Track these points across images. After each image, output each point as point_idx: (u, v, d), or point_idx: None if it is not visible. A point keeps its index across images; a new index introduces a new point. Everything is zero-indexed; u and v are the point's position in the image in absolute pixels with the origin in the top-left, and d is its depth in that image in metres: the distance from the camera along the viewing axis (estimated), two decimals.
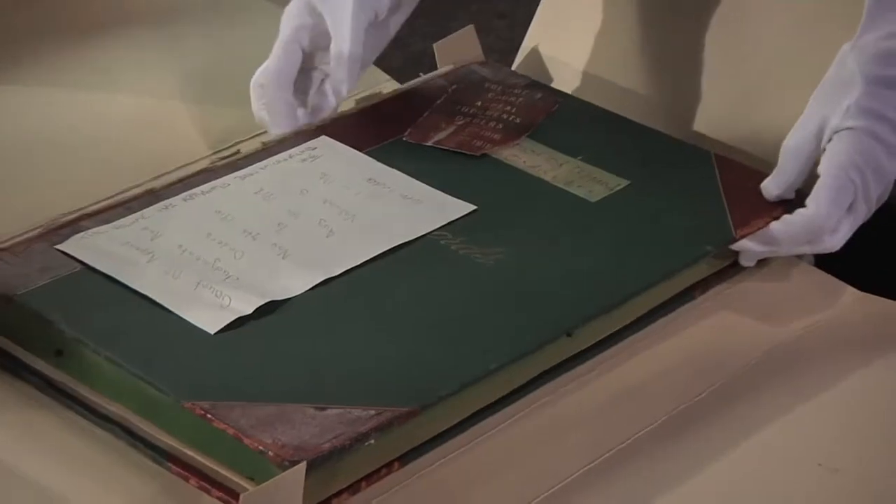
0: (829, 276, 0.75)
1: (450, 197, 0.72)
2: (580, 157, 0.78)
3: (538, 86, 0.89)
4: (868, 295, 0.72)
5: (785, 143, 0.77)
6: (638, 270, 0.67)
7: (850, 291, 0.73)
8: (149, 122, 0.87)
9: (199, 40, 0.97)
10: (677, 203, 0.72)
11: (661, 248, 0.70)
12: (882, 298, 0.75)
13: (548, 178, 0.78)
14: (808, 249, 0.74)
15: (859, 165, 0.72)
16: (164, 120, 0.86)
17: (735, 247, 0.70)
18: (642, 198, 0.73)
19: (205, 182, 0.73)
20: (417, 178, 0.75)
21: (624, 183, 0.77)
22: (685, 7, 0.91)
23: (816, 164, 0.73)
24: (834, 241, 0.73)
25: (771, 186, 0.75)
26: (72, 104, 0.88)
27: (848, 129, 0.73)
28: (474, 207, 0.72)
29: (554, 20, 1.03)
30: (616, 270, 0.68)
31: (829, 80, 0.78)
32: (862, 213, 0.74)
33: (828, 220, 0.74)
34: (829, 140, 0.74)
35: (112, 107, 0.89)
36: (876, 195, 0.73)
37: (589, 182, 0.75)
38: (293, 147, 0.77)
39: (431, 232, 0.68)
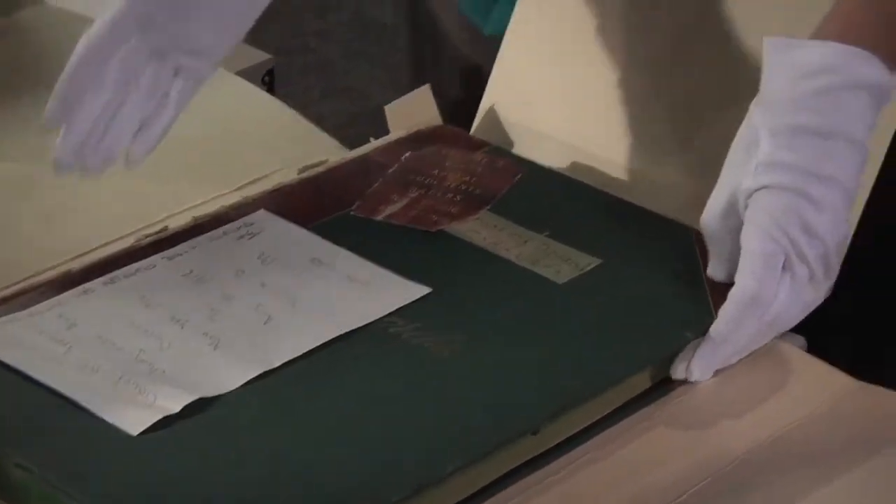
0: (821, 362, 0.78)
1: (402, 278, 0.73)
2: (546, 233, 0.80)
3: (500, 152, 0.90)
4: (866, 385, 0.74)
5: (701, 220, 0.79)
6: (611, 360, 0.68)
7: (844, 381, 0.75)
8: (66, 196, 0.88)
9: None
10: (654, 285, 0.74)
11: (637, 336, 0.71)
12: (882, 389, 0.77)
13: (511, 256, 0.79)
14: (766, 332, 0.75)
15: (781, 224, 0.73)
16: (83, 194, 0.86)
17: (676, 376, 0.71)
18: (615, 279, 0.75)
19: (128, 263, 0.73)
20: (366, 258, 0.76)
21: (595, 262, 0.78)
22: (662, 65, 0.96)
23: None
24: (779, 310, 0.75)
25: (715, 272, 0.78)
26: None
27: (762, 188, 0.75)
28: (429, 290, 0.73)
29: (512, 76, 1.04)
30: (586, 360, 0.69)
31: (737, 142, 0.80)
32: (803, 276, 0.75)
33: (763, 290, 0.75)
34: (746, 206, 0.76)
35: (24, 180, 0.91)
36: (815, 253, 0.74)
37: (556, 261, 0.77)
38: (228, 223, 0.78)
39: (381, 318, 0.69)
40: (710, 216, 0.77)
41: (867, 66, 0.78)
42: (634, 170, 0.95)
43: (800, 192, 0.73)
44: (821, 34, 0.80)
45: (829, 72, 0.77)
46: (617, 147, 1.00)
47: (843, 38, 0.79)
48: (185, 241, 0.75)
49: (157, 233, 0.77)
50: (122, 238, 0.78)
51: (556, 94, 1.06)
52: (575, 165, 0.95)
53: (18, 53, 1.17)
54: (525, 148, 1.00)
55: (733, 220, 0.75)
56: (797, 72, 0.78)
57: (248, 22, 0.84)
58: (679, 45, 0.96)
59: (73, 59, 0.80)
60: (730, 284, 0.74)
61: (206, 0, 0.84)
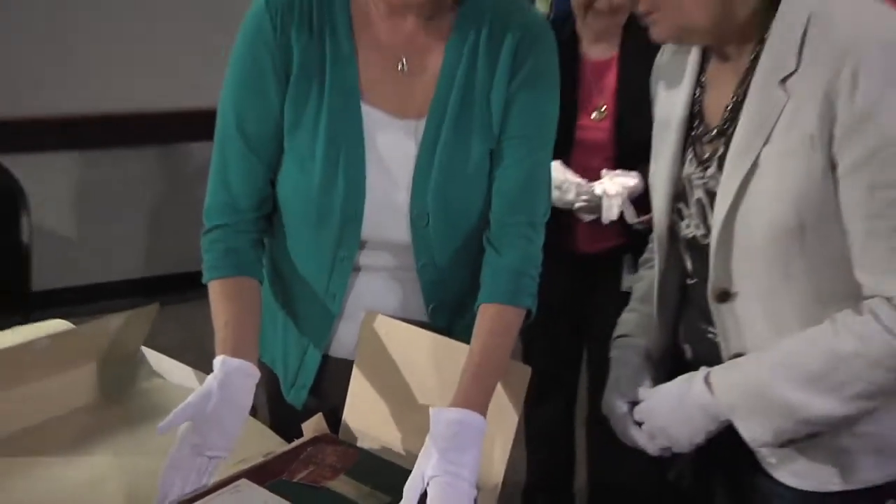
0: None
1: None
2: (370, 486, 1.36)
3: (350, 445, 1.47)
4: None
5: (405, 491, 1.27)
6: None
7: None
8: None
9: None
10: None
11: None
12: None
13: (352, 496, 1.34)
14: None
15: (443, 498, 1.25)
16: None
17: None
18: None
19: None
20: (286, 498, 1.32)
21: (387, 499, 1.33)
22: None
23: None
24: None
25: None
26: None
27: (433, 477, 1.27)
28: None
29: (359, 406, 1.59)
30: None
31: (427, 440, 1.31)
32: None
33: None
34: (427, 484, 1.27)
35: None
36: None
37: (371, 499, 1.34)
38: (227, 485, 1.35)
39: None
40: (407, 489, 1.30)
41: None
42: (413, 454, 1.40)
43: (458, 479, 1.29)
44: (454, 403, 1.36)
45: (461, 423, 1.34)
46: (405, 444, 1.51)
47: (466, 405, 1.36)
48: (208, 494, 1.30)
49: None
50: None
51: (379, 417, 1.55)
52: (386, 451, 1.51)
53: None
54: (361, 443, 1.54)
55: (420, 488, 1.28)
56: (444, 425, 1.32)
57: (239, 428, 1.40)
58: None
59: (166, 462, 1.32)
60: None
61: (217, 429, 1.37)
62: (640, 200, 2.12)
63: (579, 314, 2.61)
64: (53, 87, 4.18)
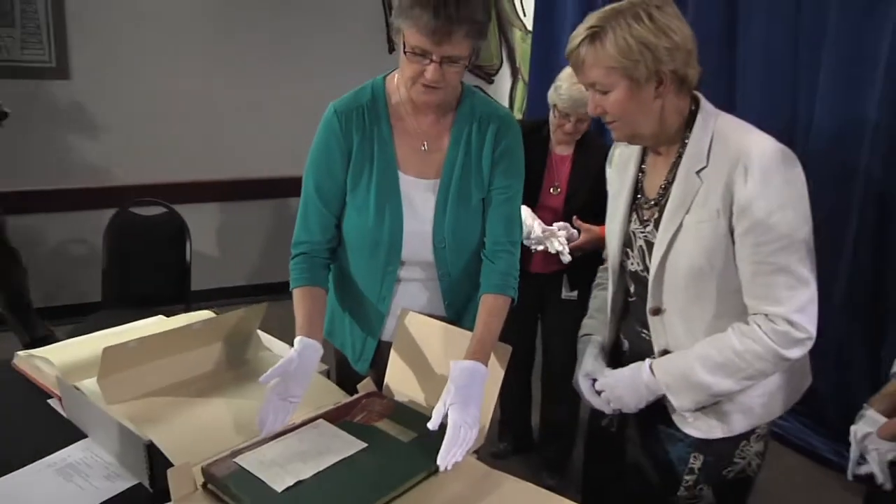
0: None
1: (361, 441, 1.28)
2: (403, 425, 1.34)
3: (389, 398, 1.46)
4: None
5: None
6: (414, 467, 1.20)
7: None
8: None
9: None
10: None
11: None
12: None
13: (393, 433, 1.32)
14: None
15: (460, 417, 1.25)
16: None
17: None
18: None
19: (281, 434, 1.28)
20: (348, 433, 1.30)
21: (413, 435, 1.30)
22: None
23: None
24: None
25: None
26: None
27: (451, 404, 1.26)
28: (365, 444, 1.27)
29: (401, 368, 1.54)
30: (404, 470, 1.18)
31: (448, 382, 1.30)
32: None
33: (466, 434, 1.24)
34: (448, 408, 1.26)
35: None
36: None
37: (403, 433, 1.32)
38: (308, 422, 1.34)
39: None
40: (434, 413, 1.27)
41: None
42: (430, 405, 1.38)
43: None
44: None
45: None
46: (426, 400, 1.48)
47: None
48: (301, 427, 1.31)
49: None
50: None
51: (409, 381, 1.52)
52: (413, 404, 1.48)
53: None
54: (397, 398, 1.51)
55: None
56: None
57: (309, 383, 1.38)
58: None
59: (263, 405, 1.31)
60: None
61: (295, 383, 1.35)
62: (570, 241, 2.27)
63: (536, 311, 2.69)
64: (204, 160, 4.20)
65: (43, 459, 1.30)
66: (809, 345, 1.28)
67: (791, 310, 1.26)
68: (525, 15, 4.83)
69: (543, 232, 2.28)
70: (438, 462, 1.21)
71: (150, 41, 4.01)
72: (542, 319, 2.71)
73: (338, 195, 1.55)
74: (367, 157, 1.53)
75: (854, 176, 2.65)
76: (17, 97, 3.58)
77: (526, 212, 2.26)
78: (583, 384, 1.46)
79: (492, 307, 1.48)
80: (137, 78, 4.01)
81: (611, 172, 1.53)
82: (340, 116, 1.52)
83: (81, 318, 3.11)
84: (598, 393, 1.43)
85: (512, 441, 2.94)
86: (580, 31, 1.27)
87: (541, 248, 2.31)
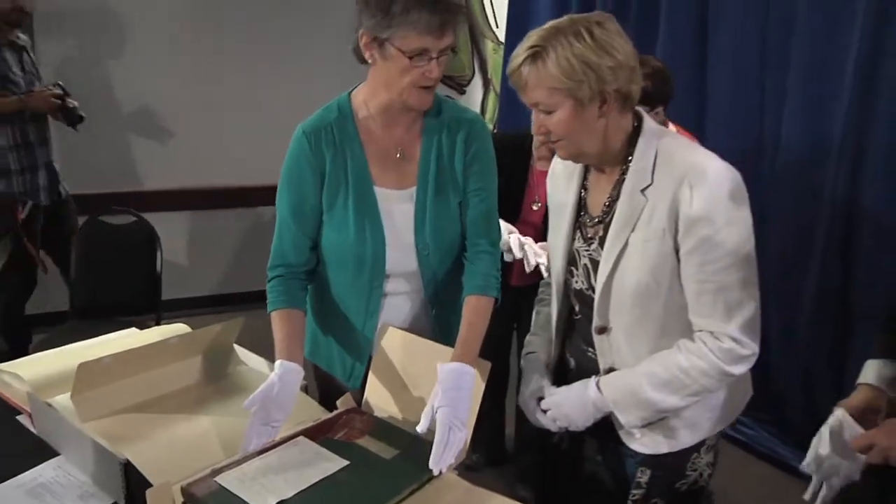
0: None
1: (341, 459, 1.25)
2: (384, 442, 1.32)
3: (368, 414, 1.45)
4: None
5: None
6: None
7: None
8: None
9: None
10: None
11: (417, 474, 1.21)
12: None
13: (373, 449, 1.30)
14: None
15: (447, 420, 1.25)
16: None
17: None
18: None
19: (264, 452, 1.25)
20: (329, 450, 1.28)
21: (395, 452, 1.27)
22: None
23: None
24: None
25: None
26: None
27: (439, 407, 1.27)
28: (347, 462, 1.25)
29: (381, 384, 1.52)
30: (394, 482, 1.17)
31: (436, 385, 1.29)
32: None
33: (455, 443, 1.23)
34: (436, 412, 1.26)
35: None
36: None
37: (385, 450, 1.30)
38: (286, 441, 1.32)
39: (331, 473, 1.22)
40: (422, 419, 1.26)
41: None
42: (409, 421, 1.40)
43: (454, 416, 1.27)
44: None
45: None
46: (404, 415, 1.46)
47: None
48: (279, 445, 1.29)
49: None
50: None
51: (388, 396, 1.50)
52: (392, 419, 1.46)
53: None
54: (377, 414, 1.49)
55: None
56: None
57: (292, 407, 1.36)
58: None
59: (246, 429, 1.29)
60: None
61: (276, 407, 1.33)
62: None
63: (512, 321, 2.70)
64: (175, 169, 4.17)
65: (12, 479, 1.28)
66: (753, 360, 1.28)
67: (736, 327, 1.26)
68: (497, 27, 4.84)
69: (521, 247, 2.28)
70: (431, 466, 1.20)
71: (115, 49, 3.94)
72: (518, 330, 2.71)
73: (313, 216, 1.53)
74: (342, 175, 1.52)
75: (821, 189, 2.70)
76: None
77: (504, 226, 2.26)
78: (529, 404, 1.44)
79: (475, 308, 1.48)
80: (104, 85, 3.94)
81: (552, 186, 1.51)
82: (310, 136, 1.50)
83: (49, 329, 3.03)
84: (545, 411, 1.42)
85: (485, 453, 2.92)
86: (520, 51, 1.25)
87: (512, 258, 2.32)
